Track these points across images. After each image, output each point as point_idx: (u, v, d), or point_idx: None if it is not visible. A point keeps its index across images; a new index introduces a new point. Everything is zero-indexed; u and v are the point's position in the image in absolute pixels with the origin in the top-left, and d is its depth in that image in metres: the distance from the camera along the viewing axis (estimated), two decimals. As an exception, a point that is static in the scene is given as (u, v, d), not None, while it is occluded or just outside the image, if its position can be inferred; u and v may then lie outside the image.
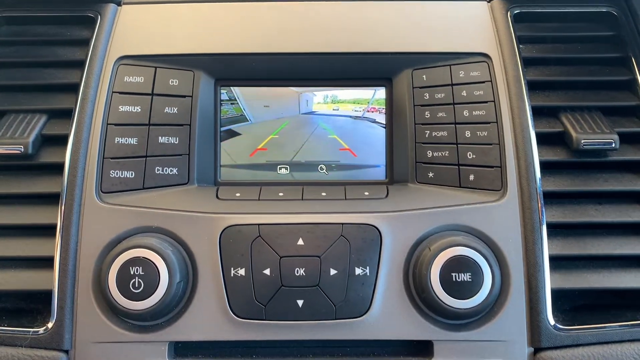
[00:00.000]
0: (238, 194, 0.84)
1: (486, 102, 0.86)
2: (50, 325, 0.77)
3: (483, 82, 0.87)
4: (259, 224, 0.78)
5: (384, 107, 0.90)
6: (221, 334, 0.76)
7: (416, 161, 0.86)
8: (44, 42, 0.93)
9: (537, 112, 0.86)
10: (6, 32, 0.95)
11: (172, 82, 0.88)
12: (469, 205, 0.80)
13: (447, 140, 0.85)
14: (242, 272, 0.77)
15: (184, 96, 0.87)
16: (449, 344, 0.77)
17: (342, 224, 0.78)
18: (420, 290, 0.76)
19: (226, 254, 0.77)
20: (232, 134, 0.90)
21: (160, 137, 0.85)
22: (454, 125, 0.85)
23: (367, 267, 0.77)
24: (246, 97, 0.91)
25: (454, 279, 0.75)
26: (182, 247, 0.79)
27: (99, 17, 0.92)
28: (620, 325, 0.78)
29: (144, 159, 0.84)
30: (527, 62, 0.89)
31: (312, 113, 0.91)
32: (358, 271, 0.77)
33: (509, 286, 0.77)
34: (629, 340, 0.77)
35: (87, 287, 0.78)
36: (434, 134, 0.86)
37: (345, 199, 0.83)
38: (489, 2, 0.94)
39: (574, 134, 0.83)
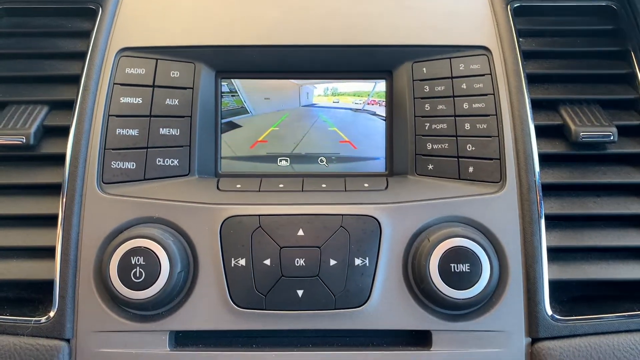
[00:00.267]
0: (239, 185, 0.84)
1: (486, 94, 0.86)
2: (52, 314, 0.77)
3: (483, 75, 0.87)
4: (259, 215, 0.79)
5: (384, 100, 0.91)
6: (221, 324, 0.77)
7: (416, 153, 0.86)
8: (45, 34, 0.94)
9: (537, 105, 0.87)
10: (7, 24, 0.96)
11: (173, 74, 0.88)
12: (468, 197, 0.81)
13: (446, 133, 0.85)
14: (242, 262, 0.77)
15: (185, 88, 0.88)
16: (447, 334, 0.77)
17: (342, 215, 0.79)
18: (419, 280, 0.77)
19: (227, 245, 0.78)
20: (233, 125, 0.91)
21: (161, 129, 0.85)
22: (453, 118, 0.86)
23: (367, 258, 0.78)
24: (247, 89, 0.91)
25: (452, 270, 0.76)
26: (183, 237, 0.79)
27: (100, 8, 0.92)
28: (617, 316, 0.79)
29: (145, 150, 0.84)
30: (526, 55, 0.90)
31: (312, 105, 0.91)
32: (357, 262, 0.77)
33: (507, 277, 0.78)
34: (625, 331, 0.78)
35: (88, 276, 0.78)
36: (433, 126, 0.86)
37: (345, 190, 0.84)
38: (489, -5, 0.94)
39: (572, 126, 0.84)
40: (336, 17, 0.91)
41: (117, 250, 0.76)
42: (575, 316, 0.78)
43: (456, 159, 0.84)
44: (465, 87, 0.87)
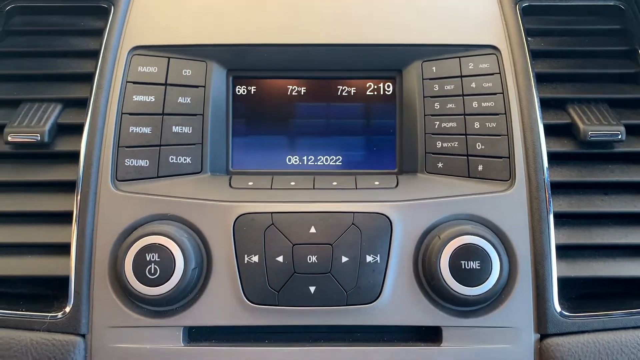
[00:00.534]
0: (250, 183, 0.85)
1: (495, 93, 0.87)
2: (67, 309, 0.78)
3: (492, 74, 0.88)
4: (272, 212, 0.80)
5: (394, 98, 0.91)
6: (235, 319, 0.78)
7: (426, 152, 0.87)
8: (58, 32, 0.95)
9: (545, 103, 0.88)
10: (20, 22, 0.97)
11: (185, 72, 0.89)
12: (478, 195, 0.82)
13: (456, 131, 0.86)
14: (255, 259, 0.78)
15: (197, 86, 0.89)
16: (457, 330, 0.78)
17: (354, 212, 0.80)
18: (429, 277, 0.78)
19: (240, 241, 0.79)
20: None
21: (174, 127, 0.86)
22: (463, 117, 0.87)
23: (378, 255, 0.79)
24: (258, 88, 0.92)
25: (463, 267, 0.77)
26: (197, 234, 0.80)
27: (112, 7, 0.93)
28: (624, 313, 0.80)
29: (158, 148, 0.85)
30: (535, 55, 0.91)
31: (322, 103, 0.92)
32: (369, 259, 0.78)
33: (516, 274, 0.79)
34: (633, 327, 0.79)
35: (103, 273, 0.79)
36: (443, 124, 0.87)
37: (356, 188, 0.84)
38: (498, -6, 0.95)
39: (581, 125, 0.85)
40: (347, 17, 0.91)
41: (132, 246, 0.77)
42: (584, 313, 0.79)
43: (466, 157, 0.85)
44: (474, 86, 0.88)
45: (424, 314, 0.79)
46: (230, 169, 0.91)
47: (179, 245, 0.77)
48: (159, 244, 0.77)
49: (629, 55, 0.93)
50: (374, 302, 0.78)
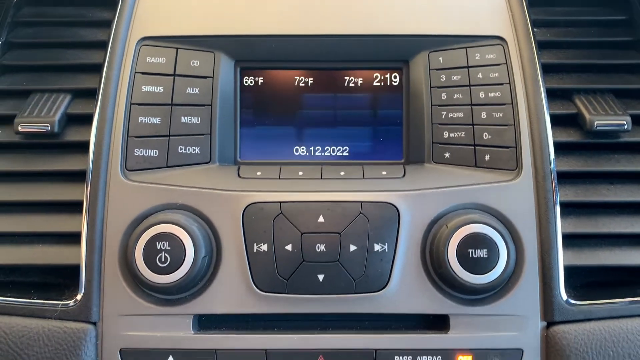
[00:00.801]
0: (259, 173, 0.86)
1: (502, 84, 0.87)
2: (79, 297, 0.79)
3: (499, 64, 0.88)
4: (280, 202, 0.80)
5: (401, 89, 0.92)
6: (244, 307, 0.79)
7: (433, 142, 0.88)
8: (67, 24, 0.95)
9: (551, 94, 0.88)
10: (28, 14, 0.97)
11: (193, 63, 0.89)
12: (485, 184, 0.83)
13: (463, 121, 0.87)
14: (264, 247, 0.79)
15: (205, 77, 0.89)
16: (464, 318, 0.79)
17: (362, 202, 0.81)
18: (437, 266, 0.79)
19: (249, 230, 0.80)
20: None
21: (182, 117, 0.87)
22: (470, 107, 0.87)
23: (386, 244, 0.79)
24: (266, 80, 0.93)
25: (470, 255, 0.77)
26: (206, 223, 0.81)
27: None
28: (630, 301, 0.80)
29: (167, 138, 0.86)
30: (541, 46, 0.91)
31: (329, 94, 0.92)
32: (377, 247, 0.79)
33: (523, 263, 0.80)
34: (638, 315, 0.80)
35: (113, 261, 0.80)
36: (450, 115, 0.87)
37: (364, 178, 0.85)
38: (504, -14, 0.96)
39: (587, 115, 0.86)
40: (355, 7, 0.92)
41: (143, 235, 0.77)
42: (590, 301, 0.80)
43: (473, 147, 0.86)
44: (481, 76, 0.88)
45: (432, 302, 0.79)
46: (238, 160, 0.91)
47: (189, 234, 0.77)
48: (170, 232, 0.77)
49: (635, 46, 0.93)
50: (382, 291, 0.79)
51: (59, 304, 0.79)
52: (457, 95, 0.88)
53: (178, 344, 0.79)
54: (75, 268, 0.80)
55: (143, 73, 0.88)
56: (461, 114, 0.87)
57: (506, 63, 0.89)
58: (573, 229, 0.83)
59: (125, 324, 0.79)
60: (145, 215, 0.81)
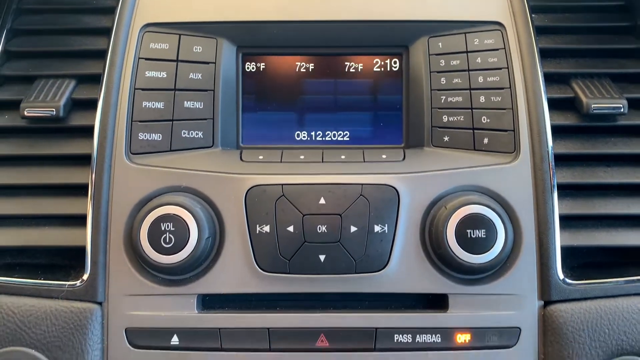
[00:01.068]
0: (261, 157, 0.87)
1: (500, 68, 0.89)
2: (85, 278, 0.81)
3: (497, 49, 0.90)
4: (282, 184, 0.82)
5: (401, 74, 0.93)
6: (247, 287, 0.81)
7: (432, 126, 0.89)
8: (71, 11, 0.96)
9: (549, 78, 0.90)
10: (33, 1, 0.98)
11: (196, 49, 0.91)
12: (483, 167, 0.84)
13: (462, 105, 0.88)
14: (267, 229, 0.81)
15: (208, 63, 0.90)
16: (463, 297, 0.81)
17: (362, 184, 0.82)
18: (436, 246, 0.80)
19: (252, 212, 0.81)
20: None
21: (185, 102, 0.88)
22: (469, 91, 0.88)
23: (386, 225, 0.81)
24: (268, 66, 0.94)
25: (469, 235, 0.79)
26: (210, 205, 0.82)
27: None
28: (625, 281, 0.82)
29: (171, 122, 0.87)
30: (539, 31, 0.92)
31: (330, 79, 0.94)
32: (377, 228, 0.81)
33: (520, 243, 0.81)
34: (634, 294, 0.81)
35: (118, 243, 0.82)
36: (449, 99, 0.89)
37: (364, 161, 0.87)
38: (502, -28, 0.97)
39: (584, 99, 0.87)
40: None
41: (147, 216, 0.79)
42: (586, 280, 0.82)
43: (471, 131, 0.87)
44: (480, 61, 0.89)
45: (431, 282, 0.81)
46: (240, 144, 0.93)
47: (193, 216, 0.79)
48: (174, 214, 0.79)
49: (631, 31, 0.95)
50: (382, 270, 0.80)
51: (65, 285, 0.81)
52: (456, 80, 0.89)
53: (182, 323, 0.80)
54: (81, 249, 0.82)
55: (146, 59, 0.89)
56: (460, 98, 0.88)
57: (504, 48, 0.90)
58: (570, 211, 0.84)
59: (130, 303, 0.81)
60: (150, 198, 0.82)
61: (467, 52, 0.90)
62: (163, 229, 0.79)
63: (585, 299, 0.81)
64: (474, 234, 0.79)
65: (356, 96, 0.94)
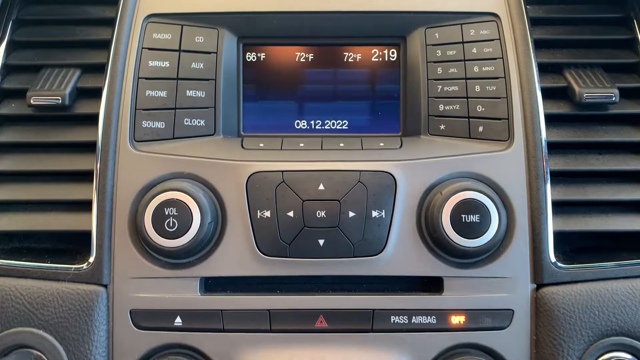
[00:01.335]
0: (261, 144, 0.90)
1: (495, 58, 0.91)
2: (90, 261, 0.83)
3: (492, 40, 0.92)
4: (282, 171, 0.84)
5: (398, 64, 0.95)
6: (248, 270, 0.83)
7: (429, 114, 0.91)
8: (76, 2, 0.98)
9: (543, 68, 0.92)
10: (38, -8, 1.00)
11: (197, 39, 0.93)
12: (478, 154, 0.86)
13: (458, 95, 0.90)
14: (267, 214, 0.83)
15: (209, 52, 0.92)
16: (458, 280, 0.83)
17: (360, 171, 0.84)
18: (432, 230, 0.83)
19: (252, 198, 0.83)
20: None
21: (188, 91, 0.90)
22: (464, 81, 0.90)
23: (383, 211, 0.83)
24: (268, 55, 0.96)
25: (463, 220, 0.81)
26: (212, 191, 0.84)
27: None
28: (615, 264, 0.84)
29: (174, 110, 0.89)
30: (533, 22, 0.94)
31: (329, 69, 0.96)
32: (374, 214, 0.83)
33: (514, 228, 0.83)
34: (623, 277, 0.83)
35: (123, 228, 0.84)
36: (445, 88, 0.91)
37: (362, 149, 0.89)
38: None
39: (577, 88, 0.89)
40: None
41: (151, 202, 0.81)
42: (577, 264, 0.84)
43: (467, 119, 0.89)
44: (475, 51, 0.91)
45: (426, 265, 0.83)
46: (241, 132, 0.95)
47: (195, 201, 0.81)
48: (177, 199, 0.81)
49: (623, 22, 0.97)
50: (379, 254, 0.83)
51: (71, 268, 0.83)
52: (452, 70, 0.91)
53: (185, 305, 0.83)
54: (87, 234, 0.84)
55: (149, 49, 0.91)
56: (456, 88, 0.90)
57: (499, 38, 0.92)
58: (562, 196, 0.86)
59: (135, 286, 0.83)
60: (153, 184, 0.84)
61: (463, 42, 0.92)
62: (167, 213, 0.81)
63: (576, 281, 0.83)
64: (468, 219, 0.81)
65: (354, 86, 0.96)
